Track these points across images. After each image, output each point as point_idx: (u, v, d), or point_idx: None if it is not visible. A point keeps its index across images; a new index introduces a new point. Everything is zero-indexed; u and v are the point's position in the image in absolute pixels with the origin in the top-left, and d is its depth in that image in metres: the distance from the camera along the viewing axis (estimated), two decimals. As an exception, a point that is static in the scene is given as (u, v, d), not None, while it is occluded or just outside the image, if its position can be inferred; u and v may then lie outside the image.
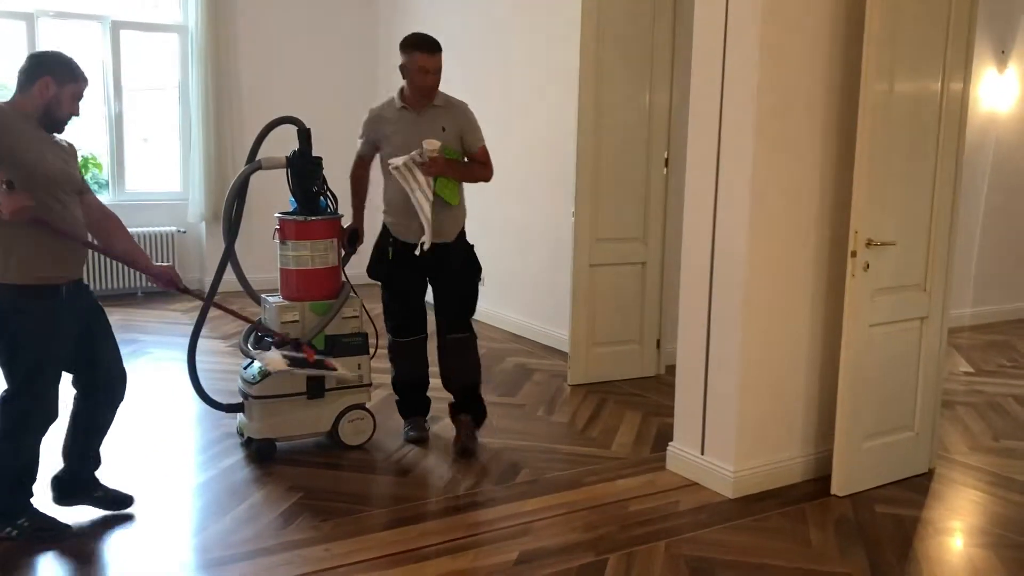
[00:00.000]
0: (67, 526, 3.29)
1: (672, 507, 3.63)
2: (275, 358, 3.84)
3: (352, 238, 4.26)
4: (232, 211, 4.04)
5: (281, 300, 4.12)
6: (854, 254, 3.61)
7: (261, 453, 4.04)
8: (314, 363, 3.93)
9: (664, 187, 5.42)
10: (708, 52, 3.72)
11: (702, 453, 3.87)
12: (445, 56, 3.99)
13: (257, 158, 4.02)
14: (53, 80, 3.10)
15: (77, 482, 3.43)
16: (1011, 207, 7.54)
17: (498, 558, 3.17)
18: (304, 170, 4.07)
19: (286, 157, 4.04)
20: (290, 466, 3.97)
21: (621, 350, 5.43)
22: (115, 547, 3.25)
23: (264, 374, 3.94)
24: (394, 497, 3.68)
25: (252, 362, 4.04)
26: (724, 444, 3.76)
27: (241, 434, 4.21)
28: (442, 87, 4.05)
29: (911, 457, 3.99)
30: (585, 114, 5.11)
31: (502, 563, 3.13)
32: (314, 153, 4.06)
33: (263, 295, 4.27)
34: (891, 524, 3.50)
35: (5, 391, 3.17)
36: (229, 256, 4.06)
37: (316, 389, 4.06)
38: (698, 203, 3.82)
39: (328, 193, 4.13)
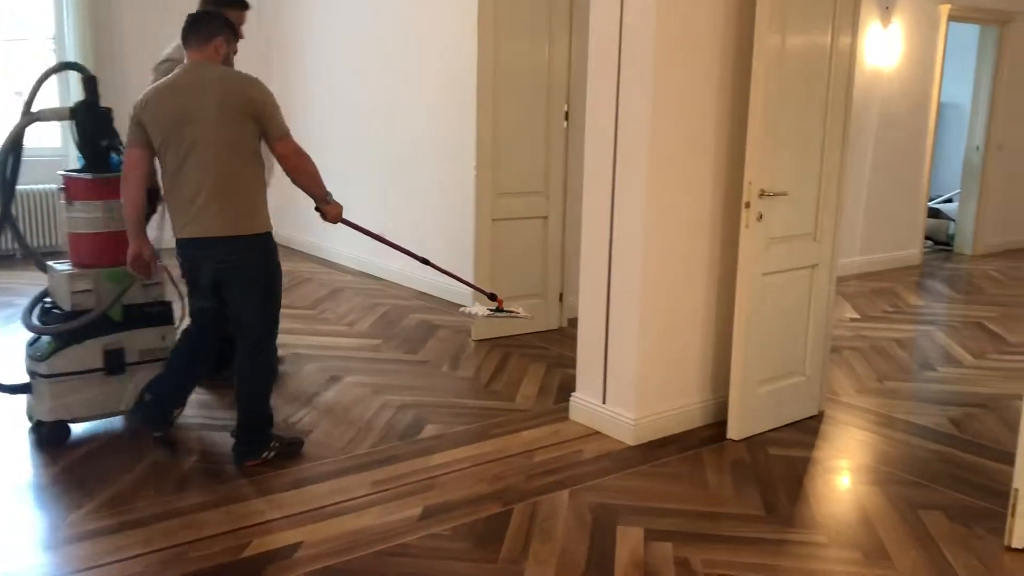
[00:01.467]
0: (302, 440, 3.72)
1: (575, 456, 3.68)
2: (476, 308, 4.45)
3: (151, 195, 3.58)
4: (6, 170, 3.72)
5: (71, 268, 3.73)
6: (748, 204, 3.69)
7: (52, 438, 3.67)
8: (504, 309, 4.36)
9: (564, 141, 5.42)
10: (606, 4, 3.70)
11: (604, 402, 3.93)
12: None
13: (35, 109, 3.69)
14: (225, 41, 3.43)
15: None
16: (895, 161, 7.86)
17: (402, 514, 3.15)
18: (91, 122, 3.71)
19: (69, 108, 3.73)
20: (181, 430, 3.85)
21: (524, 304, 5.42)
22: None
23: (53, 349, 3.63)
24: (294, 458, 3.61)
25: (39, 337, 3.69)
26: (625, 393, 3.83)
27: (31, 418, 3.81)
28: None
29: (802, 400, 4.15)
30: (484, 68, 5.04)
31: (406, 519, 3.12)
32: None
33: (49, 262, 3.86)
34: (784, 465, 3.64)
35: (258, 339, 3.51)
36: (5, 219, 3.76)
37: (115, 364, 3.73)
38: (597, 157, 3.83)
39: (121, 148, 3.66)
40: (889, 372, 4.95)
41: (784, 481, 3.49)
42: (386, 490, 3.34)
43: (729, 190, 3.89)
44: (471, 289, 4.74)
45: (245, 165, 3.36)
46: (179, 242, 3.44)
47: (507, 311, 4.58)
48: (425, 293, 6.46)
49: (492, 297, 4.57)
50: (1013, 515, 2.96)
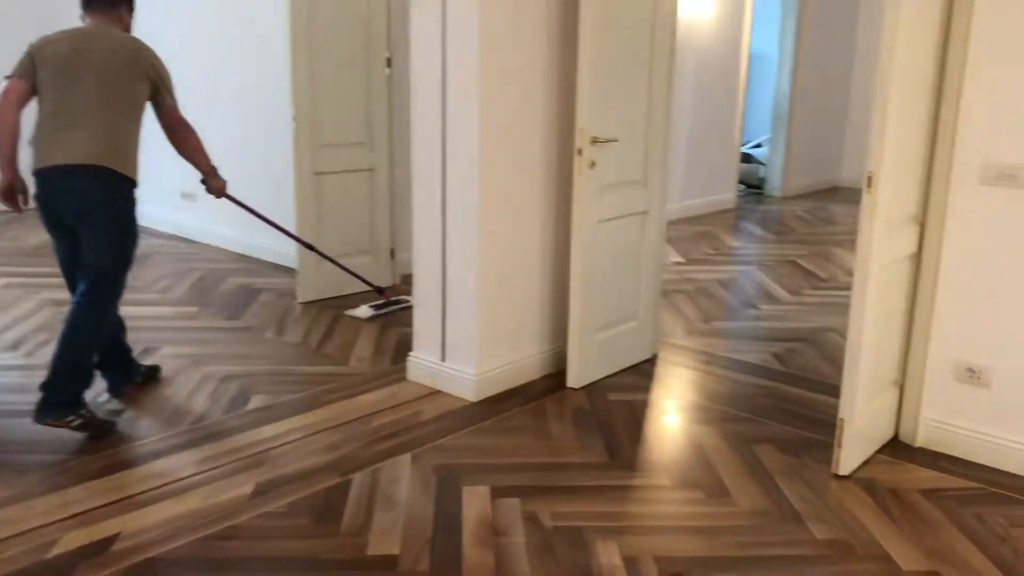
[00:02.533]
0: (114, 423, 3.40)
1: (416, 417, 3.54)
2: (362, 310, 4.73)
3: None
4: None
5: None
6: (580, 152, 3.63)
7: None
8: (393, 301, 4.78)
9: (387, 89, 5.18)
10: (427, -62, 3.49)
11: (443, 360, 3.80)
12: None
13: None
14: (128, 11, 3.54)
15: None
16: (710, 110, 8.10)
17: (231, 493, 2.91)
18: None
19: None
20: (-27, 419, 3.42)
21: (353, 262, 5.21)
22: None
23: None
24: (106, 441, 3.27)
25: None
26: (464, 348, 3.71)
27: None
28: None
29: (637, 345, 4.19)
30: (297, 11, 4.71)
31: (236, 498, 2.88)
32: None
33: None
34: (624, 410, 3.65)
35: (105, 271, 3.32)
36: None
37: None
38: (425, 104, 3.64)
39: None
40: (715, 312, 5.11)
41: (625, 426, 3.50)
42: (212, 469, 3.08)
43: (563, 137, 3.82)
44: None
45: (127, 118, 3.37)
46: (41, 173, 3.26)
47: (397, 302, 4.76)
48: (244, 255, 6.08)
49: (380, 291, 4.56)
50: (839, 445, 3.08)
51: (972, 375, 3.22)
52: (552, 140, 3.80)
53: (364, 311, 4.75)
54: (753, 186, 9.63)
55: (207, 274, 5.65)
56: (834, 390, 3.69)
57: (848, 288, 5.57)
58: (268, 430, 3.40)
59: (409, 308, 4.47)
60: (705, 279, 5.86)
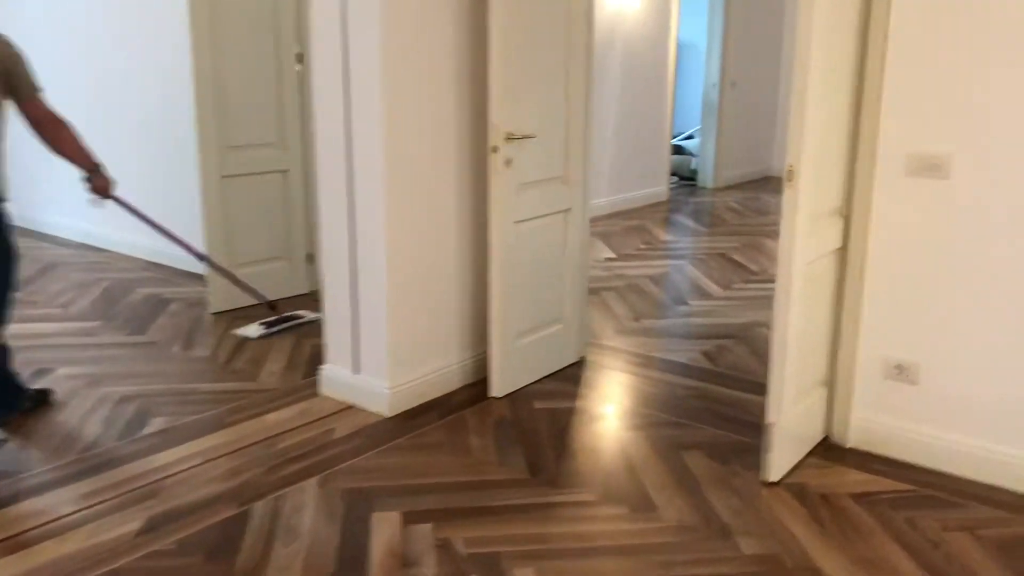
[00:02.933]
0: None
1: (326, 436, 3.33)
2: (252, 329, 4.38)
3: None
4: None
5: None
6: (495, 149, 3.44)
7: None
8: (285, 317, 4.48)
9: (299, 85, 4.93)
10: (323, -76, 3.27)
11: (356, 372, 3.58)
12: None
13: None
14: None
15: None
16: (639, 101, 7.99)
17: (118, 531, 2.66)
18: None
19: None
20: None
21: (267, 268, 4.96)
22: None
23: None
24: (-17, 477, 2.99)
25: None
26: (378, 360, 3.50)
27: None
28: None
29: (563, 348, 4.02)
30: (198, 2, 4.43)
31: (122, 536, 2.63)
32: None
33: None
34: (548, 419, 3.48)
35: None
36: None
37: None
38: (327, 102, 3.41)
39: None
40: (645, 310, 4.97)
41: (549, 437, 3.33)
42: (99, 503, 2.83)
43: (478, 134, 3.63)
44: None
45: None
46: None
47: (290, 318, 4.52)
48: (156, 263, 5.77)
49: (271, 306, 4.35)
50: (768, 450, 2.95)
51: (900, 372, 3.12)
52: (467, 137, 3.61)
53: (253, 330, 4.42)
54: (686, 178, 9.56)
55: (114, 285, 5.33)
56: (764, 389, 3.58)
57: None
58: (164, 456, 3.15)
59: (306, 324, 4.39)
60: (636, 275, 5.73)
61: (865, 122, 3.03)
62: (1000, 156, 2.82)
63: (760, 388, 3.70)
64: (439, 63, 3.43)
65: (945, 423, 3.05)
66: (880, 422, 3.18)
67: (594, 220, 7.28)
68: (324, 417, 3.49)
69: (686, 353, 4.25)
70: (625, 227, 7.24)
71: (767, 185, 9.53)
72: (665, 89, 8.31)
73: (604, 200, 7.71)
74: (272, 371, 3.97)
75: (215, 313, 4.77)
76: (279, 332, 4.44)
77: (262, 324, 4.48)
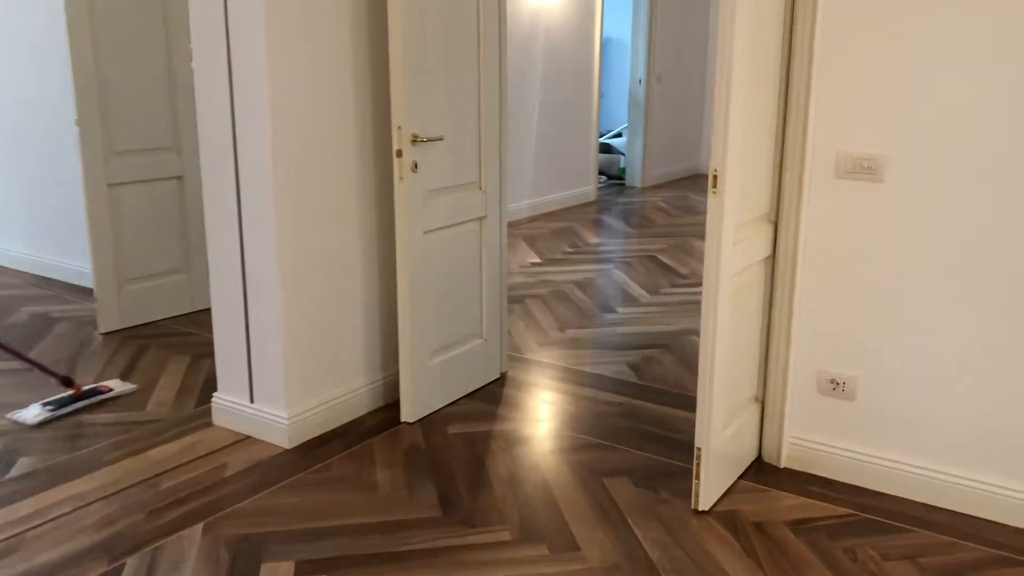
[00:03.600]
0: None
1: (217, 474, 3.00)
2: (32, 411, 3.41)
3: None
4: None
5: None
6: (400, 153, 3.16)
7: None
8: (85, 393, 3.53)
9: (193, 84, 4.55)
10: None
11: (252, 401, 3.26)
12: None
13: None
14: None
15: None
16: (564, 99, 7.77)
17: (-38, 601, 2.32)
18: None
19: None
20: None
21: (164, 283, 4.59)
22: None
23: None
24: None
25: None
26: (274, 387, 3.19)
27: None
28: None
29: (482, 365, 3.76)
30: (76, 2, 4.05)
31: (-34, 609, 2.29)
32: None
33: None
34: (463, 446, 3.22)
35: None
36: None
37: None
38: (210, 103, 3.09)
39: None
40: (571, 319, 4.74)
41: (464, 467, 3.06)
42: (-56, 567, 2.47)
43: (380, 138, 3.34)
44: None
45: None
46: None
47: (93, 393, 3.55)
48: (45, 278, 5.33)
49: (67, 382, 3.56)
50: (697, 477, 2.73)
51: (835, 387, 2.93)
52: (370, 141, 3.32)
53: (33, 413, 3.39)
54: (614, 177, 9.39)
55: (-5, 303, 4.89)
56: (693, 403, 3.37)
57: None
58: (30, 504, 2.79)
59: (114, 399, 3.60)
60: (562, 280, 5.50)
61: (793, 122, 2.83)
62: (936, 157, 2.64)
63: (689, 402, 3.50)
64: (336, 59, 3.13)
65: (884, 442, 2.87)
66: (815, 441, 2.99)
67: (519, 223, 7.05)
68: (216, 451, 3.16)
69: (613, 365, 4.03)
70: (552, 230, 7.01)
71: (695, 183, 9.42)
72: (591, 86, 8.11)
73: (529, 202, 7.47)
74: (162, 399, 3.62)
75: (105, 333, 4.38)
76: (69, 414, 3.46)
77: (46, 404, 3.45)
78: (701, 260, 5.98)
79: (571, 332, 4.52)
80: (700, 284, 5.38)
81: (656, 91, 8.95)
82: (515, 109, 7.12)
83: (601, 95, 8.39)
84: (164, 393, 3.67)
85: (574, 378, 3.88)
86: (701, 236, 6.76)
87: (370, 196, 3.35)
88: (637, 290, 5.29)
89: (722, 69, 2.45)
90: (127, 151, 4.35)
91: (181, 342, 4.29)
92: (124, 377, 3.85)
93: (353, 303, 3.37)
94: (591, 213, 7.77)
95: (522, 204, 7.34)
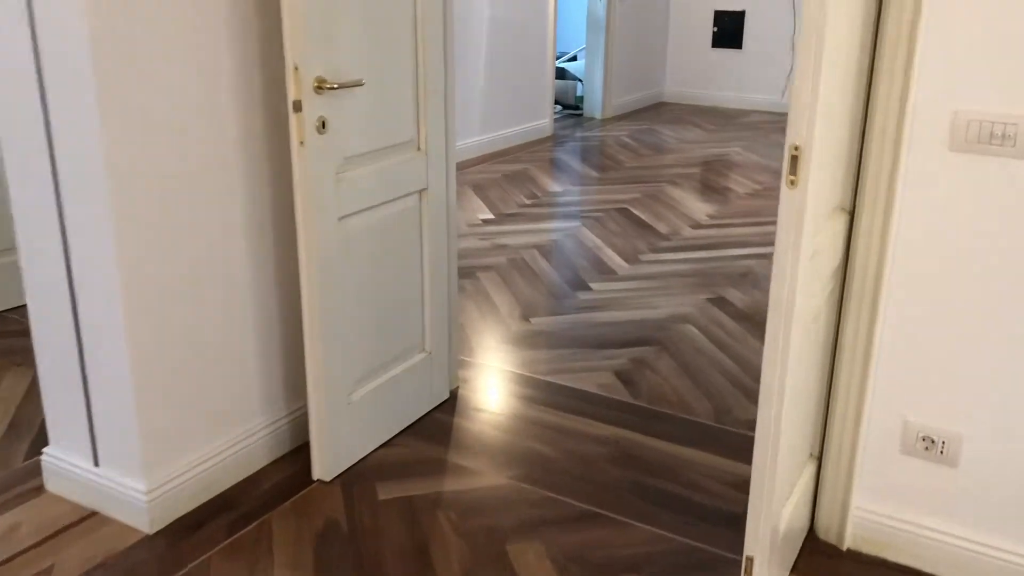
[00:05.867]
0: None
1: (37, 587, 2.05)
2: None
3: None
4: None
5: None
6: (298, 107, 2.14)
7: None
8: None
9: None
10: None
11: (96, 464, 2.29)
12: None
13: None
14: None
15: None
16: (514, 19, 6.67)
17: None
18: None
19: None
20: None
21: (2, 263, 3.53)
22: None
23: None
24: None
25: None
26: (125, 446, 2.21)
27: None
28: None
29: (426, 387, 2.82)
30: None
31: None
32: None
33: None
34: (400, 523, 2.30)
35: None
36: None
37: None
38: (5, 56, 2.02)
39: None
40: (535, 301, 3.80)
41: (401, 559, 2.15)
42: None
43: (271, 88, 2.31)
44: None
45: None
46: None
47: None
48: None
49: None
50: (748, 602, 1.87)
51: (929, 446, 2.07)
52: (258, 92, 2.28)
53: None
54: (570, 106, 8.36)
55: None
56: (705, 434, 2.50)
57: (695, 246, 4.46)
58: None
59: None
60: (521, 244, 4.54)
61: (886, 69, 1.88)
62: (1114, 124, 1.74)
63: (702, 434, 2.63)
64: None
65: (995, 526, 2.03)
66: (894, 516, 2.14)
67: (466, 165, 6.04)
68: (44, 540, 2.19)
69: (595, 374, 3.13)
70: (504, 174, 6.01)
71: (661, 113, 8.44)
72: (547, 2, 7.00)
73: (477, 139, 6.44)
74: (-20, 446, 2.61)
75: (-75, 334, 3.32)
76: None
77: None
78: (680, 214, 5.07)
79: (537, 321, 3.59)
80: (686, 247, 4.50)
81: (619, 9, 7.88)
82: (459, 30, 6.02)
83: (557, 13, 7.29)
84: (-16, 437, 2.66)
85: (547, 397, 2.97)
86: (675, 182, 5.84)
87: (261, 170, 2.34)
88: (612, 257, 4.36)
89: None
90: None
91: (23, 346, 3.25)
92: (-63, 406, 2.83)
93: (243, 320, 2.38)
94: (548, 151, 6.77)
95: (469, 142, 6.31)
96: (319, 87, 2.17)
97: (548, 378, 3.09)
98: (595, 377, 3.10)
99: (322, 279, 2.30)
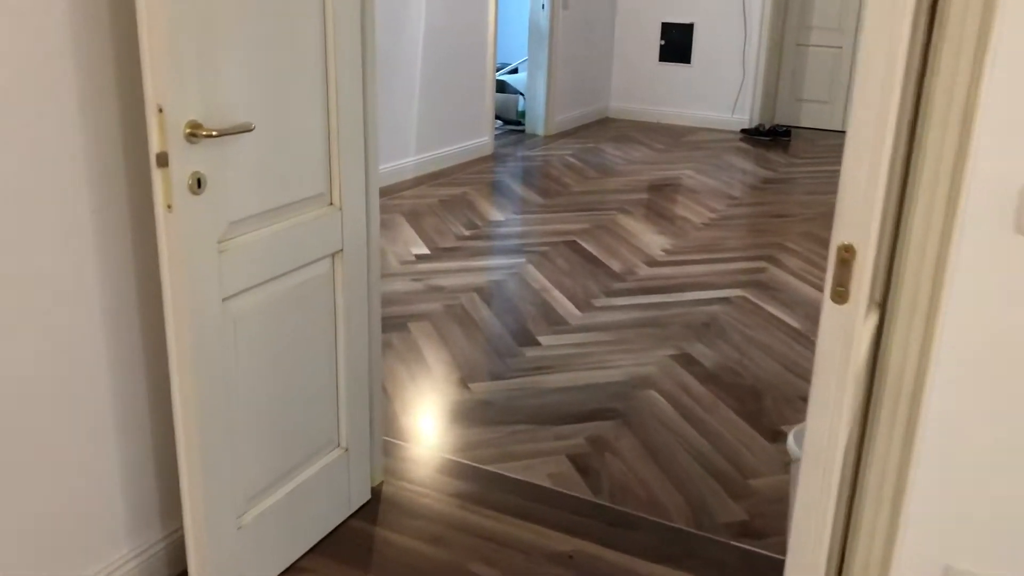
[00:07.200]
0: None
1: None
2: None
3: None
4: None
5: None
6: (165, 160, 1.61)
7: None
8: None
9: None
10: None
11: None
12: None
13: None
14: None
15: None
16: (452, 29, 6.18)
17: None
18: None
19: None
20: None
21: None
22: None
23: None
24: None
25: None
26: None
27: None
28: None
29: (342, 490, 2.30)
30: None
31: None
32: None
33: None
34: None
35: None
36: None
37: None
38: None
39: None
40: (475, 362, 3.31)
41: None
42: None
43: (128, 132, 1.78)
44: None
45: None
46: None
47: None
48: None
49: None
50: None
51: (976, 598, 1.64)
52: (118, 136, 1.75)
53: None
54: (511, 121, 7.89)
55: None
56: (689, 546, 2.05)
57: (652, 288, 4.01)
58: None
59: None
60: (459, 286, 4.05)
61: (935, 130, 1.45)
62: None
63: (678, 544, 2.17)
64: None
65: None
66: None
67: (397, 189, 5.54)
68: None
69: (546, 460, 2.65)
70: (440, 199, 5.50)
71: (606, 130, 8.03)
72: (487, 10, 6.53)
73: (411, 160, 5.93)
74: None
75: None
76: None
77: None
78: (634, 249, 4.64)
79: (478, 388, 3.10)
80: (642, 289, 4.05)
81: (562, 18, 7.45)
82: (389, 41, 5.51)
83: (497, 24, 6.82)
84: None
85: (491, 495, 2.48)
86: (625, 209, 5.41)
87: (120, 241, 1.80)
88: (562, 302, 3.89)
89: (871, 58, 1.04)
90: None
91: None
92: None
93: (94, 422, 1.83)
94: (488, 173, 6.28)
95: (402, 163, 5.80)
96: (193, 134, 1.64)
97: (491, 467, 2.60)
98: (546, 464, 2.62)
99: (198, 377, 1.78)
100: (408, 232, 4.78)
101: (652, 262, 4.44)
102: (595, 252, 4.58)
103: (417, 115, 5.93)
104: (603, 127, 8.16)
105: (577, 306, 3.85)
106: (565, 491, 2.49)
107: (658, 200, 5.65)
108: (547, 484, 2.52)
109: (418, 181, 5.89)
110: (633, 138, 7.66)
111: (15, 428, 1.67)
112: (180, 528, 2.05)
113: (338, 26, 1.99)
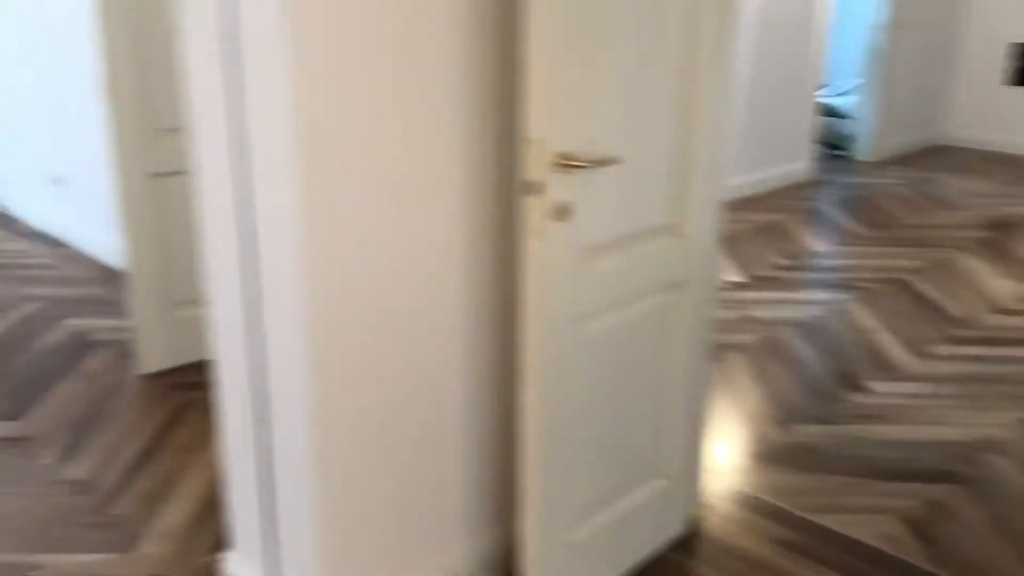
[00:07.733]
0: None
1: None
2: None
3: None
4: None
5: None
6: (534, 188, 1.70)
7: None
8: None
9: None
10: None
11: (273, 584, 1.97)
12: None
13: None
14: None
15: None
16: (777, 50, 5.98)
17: None
18: None
19: None
20: None
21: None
22: None
23: None
24: None
25: None
26: (301, 566, 1.87)
27: None
28: None
29: (658, 519, 2.30)
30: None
31: None
32: None
33: None
34: None
35: None
36: None
37: None
38: (207, 117, 1.74)
39: None
40: (795, 402, 3.16)
41: None
42: None
43: (502, 161, 1.90)
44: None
45: None
46: None
47: None
48: (121, 269, 4.27)
49: None
50: None
51: None
52: (491, 166, 1.88)
53: None
54: (835, 147, 7.49)
55: (41, 310, 3.85)
56: None
57: (1001, 340, 3.57)
58: None
59: None
60: (776, 319, 3.90)
61: None
62: None
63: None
64: (421, 37, 1.70)
65: None
66: None
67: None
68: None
69: (875, 517, 2.46)
70: (756, 225, 5.35)
71: (942, 158, 7.38)
72: (811, 32, 6.24)
73: (730, 184, 5.81)
74: (168, 528, 2.39)
75: (146, 376, 3.23)
76: None
77: None
78: (976, 293, 4.21)
79: (799, 431, 2.96)
80: (988, 341, 3.66)
81: (900, 39, 6.95)
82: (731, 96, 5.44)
83: (828, 44, 6.51)
84: (172, 516, 2.44)
85: (814, 546, 2.35)
86: (966, 246, 4.92)
87: (490, 255, 1.93)
88: (892, 347, 3.61)
89: None
90: (173, 128, 3.11)
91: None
92: (140, 465, 2.66)
93: (443, 426, 1.98)
94: (805, 200, 6.01)
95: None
96: (564, 164, 1.72)
97: (814, 517, 2.47)
98: (877, 523, 2.44)
99: (547, 392, 1.85)
100: (724, 258, 4.70)
101: (1000, 309, 4.00)
102: (930, 293, 4.21)
103: (738, 138, 5.81)
104: (938, 155, 7.50)
105: (910, 350, 3.56)
106: (899, 555, 2.30)
107: (1003, 239, 5.09)
108: (879, 545, 2.34)
109: (733, 206, 5.76)
110: (973, 168, 6.97)
111: (402, 417, 1.84)
112: (510, 535, 2.15)
113: (699, 51, 1.99)
